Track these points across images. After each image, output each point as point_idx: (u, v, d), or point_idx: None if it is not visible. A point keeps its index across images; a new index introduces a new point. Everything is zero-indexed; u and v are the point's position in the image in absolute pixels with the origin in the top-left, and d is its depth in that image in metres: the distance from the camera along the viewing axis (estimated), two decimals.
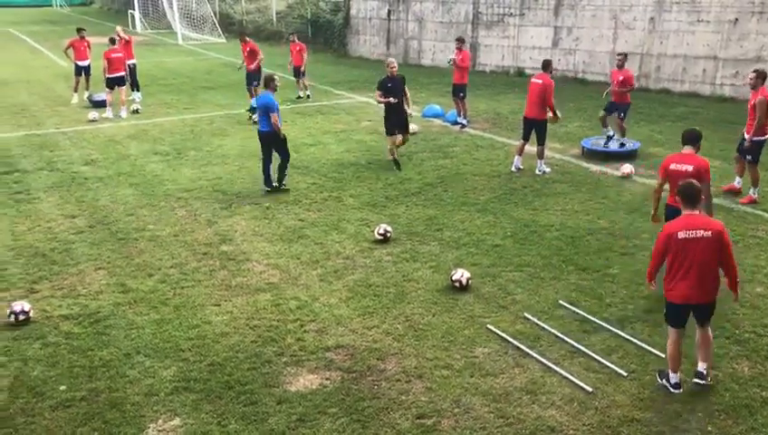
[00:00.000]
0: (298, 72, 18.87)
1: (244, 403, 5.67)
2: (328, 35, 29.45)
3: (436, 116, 16.45)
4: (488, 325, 6.87)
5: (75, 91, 18.48)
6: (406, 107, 12.25)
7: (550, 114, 11.62)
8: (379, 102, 12.31)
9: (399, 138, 12.31)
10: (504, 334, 6.68)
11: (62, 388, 5.88)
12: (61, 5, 61.15)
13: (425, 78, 22.12)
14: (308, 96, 18.94)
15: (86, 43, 18.24)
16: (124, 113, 16.64)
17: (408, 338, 6.67)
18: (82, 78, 18.29)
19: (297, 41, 19.06)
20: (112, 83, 16.56)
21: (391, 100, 11.96)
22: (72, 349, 6.48)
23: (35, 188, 11.23)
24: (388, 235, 9.02)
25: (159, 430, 5.34)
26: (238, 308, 7.27)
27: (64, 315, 7.11)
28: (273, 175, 11.04)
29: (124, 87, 16.93)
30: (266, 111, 10.77)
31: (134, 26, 40.21)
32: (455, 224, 9.63)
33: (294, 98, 18.75)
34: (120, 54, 16.67)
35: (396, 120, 12.16)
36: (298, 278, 7.98)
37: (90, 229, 9.46)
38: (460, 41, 15.48)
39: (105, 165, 12.55)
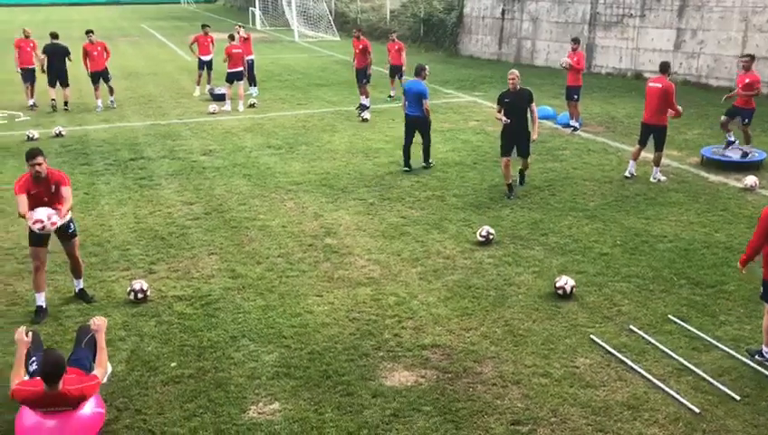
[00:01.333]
0: (396, 71, 18.65)
1: (340, 393, 5.79)
2: (439, 34, 29.44)
3: (547, 118, 16.09)
4: (591, 336, 6.66)
5: (198, 84, 19.48)
6: (531, 130, 10.59)
7: (672, 112, 11.07)
8: (497, 119, 10.87)
9: (522, 161, 10.81)
10: (607, 346, 6.46)
11: (173, 364, 6.23)
12: (187, 3, 64.54)
13: (537, 79, 21.68)
14: (391, 97, 18.87)
15: (210, 39, 19.16)
16: (241, 107, 17.37)
17: (507, 343, 6.58)
18: (204, 72, 19.25)
19: (396, 39, 18.86)
20: (232, 78, 17.32)
21: (503, 119, 10.40)
22: (184, 328, 6.86)
23: (158, 174, 11.93)
24: (491, 237, 8.93)
25: (260, 413, 5.55)
26: (339, 300, 7.43)
27: (178, 296, 7.52)
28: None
29: (242, 82, 17.66)
30: (420, 97, 11.71)
31: (254, 23, 41.84)
32: (561, 229, 9.40)
33: (386, 97, 18.83)
34: (239, 50, 17.40)
35: (511, 141, 10.54)
36: (398, 275, 8.05)
37: (205, 216, 9.96)
38: (576, 42, 15.04)
39: (222, 155, 13.15)
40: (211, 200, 10.63)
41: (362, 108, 17.02)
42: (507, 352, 6.41)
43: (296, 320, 7.01)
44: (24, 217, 6.69)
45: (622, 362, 6.21)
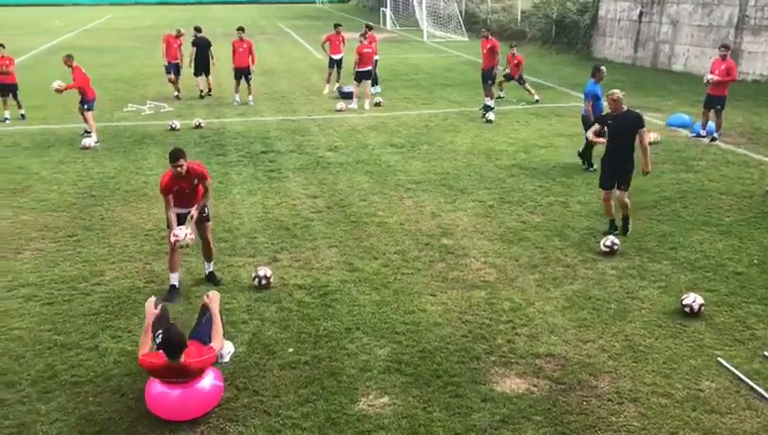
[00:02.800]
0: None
1: (449, 394, 5.80)
2: (572, 36, 28.61)
3: (683, 126, 15.24)
4: (719, 359, 6.26)
5: (327, 82, 20.08)
6: (645, 162, 8.90)
7: None
8: (592, 141, 9.63)
9: (618, 194, 9.04)
10: (736, 371, 6.05)
11: (290, 350, 6.48)
12: (322, 3, 66.59)
13: (674, 84, 20.59)
14: (500, 98, 18.33)
15: (341, 38, 19.67)
16: (368, 105, 17.72)
17: (626, 358, 6.32)
18: (335, 70, 19.79)
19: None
20: (360, 77, 17.70)
21: (600, 140, 9.15)
22: (302, 316, 7.11)
23: (286, 168, 12.43)
24: (616, 247, 8.59)
25: (370, 405, 5.67)
26: (453, 301, 7.43)
27: (298, 285, 7.81)
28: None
29: (369, 81, 18.00)
30: (585, 96, 11.81)
31: (384, 23, 42.51)
32: (692, 244, 8.89)
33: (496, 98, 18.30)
34: (370, 50, 17.75)
35: (612, 172, 9.00)
36: (514, 280, 7.93)
37: (327, 210, 10.26)
38: (726, 48, 13.93)
39: (346, 152, 13.49)
40: (334, 195, 10.94)
41: (486, 109, 16.87)
42: (626, 368, 6.16)
43: (409, 317, 7.08)
44: (169, 219, 7.39)
45: (753, 389, 5.80)
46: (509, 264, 8.36)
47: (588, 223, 9.65)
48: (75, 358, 6.33)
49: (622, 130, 8.77)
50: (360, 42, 17.69)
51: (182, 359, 5.27)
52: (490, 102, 17.15)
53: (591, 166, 11.87)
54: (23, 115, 16.05)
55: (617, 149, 8.90)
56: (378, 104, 18.04)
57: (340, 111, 17.31)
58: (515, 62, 17.92)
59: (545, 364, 6.24)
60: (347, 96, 18.40)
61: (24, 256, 8.60)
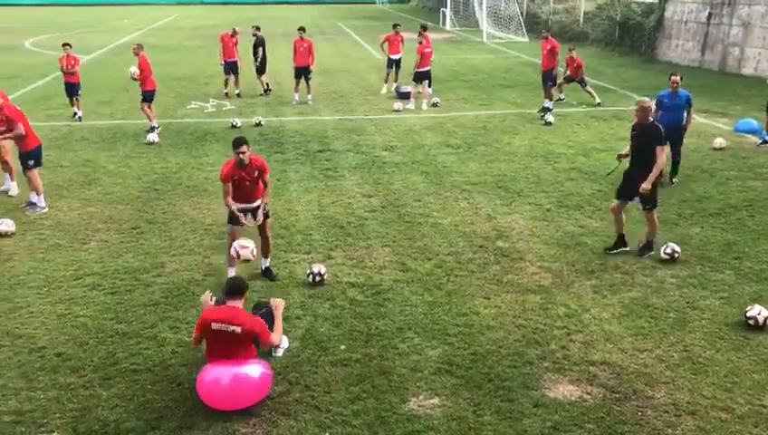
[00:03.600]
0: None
1: (501, 398, 5.75)
2: (636, 38, 27.91)
3: (752, 132, 14.69)
4: None
5: (385, 81, 20.14)
6: (648, 178, 8.17)
7: None
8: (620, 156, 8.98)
9: (641, 211, 8.55)
10: None
11: (342, 347, 6.54)
12: (382, 3, 66.81)
13: (743, 89, 19.87)
14: (560, 100, 18.02)
15: (400, 38, 19.71)
16: (425, 106, 17.71)
17: (684, 369, 6.14)
18: (393, 70, 19.84)
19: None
20: (419, 77, 17.69)
21: (624, 153, 8.68)
22: (354, 314, 7.17)
23: (342, 166, 12.54)
24: (676, 255, 8.36)
25: (420, 405, 5.67)
26: (506, 305, 7.36)
27: (351, 283, 7.87)
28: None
29: (428, 81, 17.97)
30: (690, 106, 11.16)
31: (444, 24, 42.38)
32: (758, 254, 8.57)
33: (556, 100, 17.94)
34: (430, 50, 17.72)
35: (628, 185, 8.48)
36: (570, 286, 7.80)
37: (382, 209, 10.30)
38: None
39: (402, 152, 13.52)
40: (388, 194, 10.97)
41: (545, 111, 16.64)
42: (684, 380, 5.98)
43: (462, 319, 7.05)
44: (228, 205, 7.57)
45: None
46: (565, 269, 8.23)
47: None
48: (135, 347, 6.54)
49: (642, 143, 8.30)
50: (420, 42, 17.68)
51: (240, 303, 5.70)
52: (549, 104, 16.91)
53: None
54: (79, 117, 16.08)
55: (635, 162, 8.41)
56: (435, 105, 18.00)
57: (397, 111, 17.35)
58: (575, 64, 17.59)
59: (600, 372, 6.12)
60: (404, 96, 18.42)
61: (90, 247, 8.93)
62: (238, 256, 7.37)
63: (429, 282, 7.90)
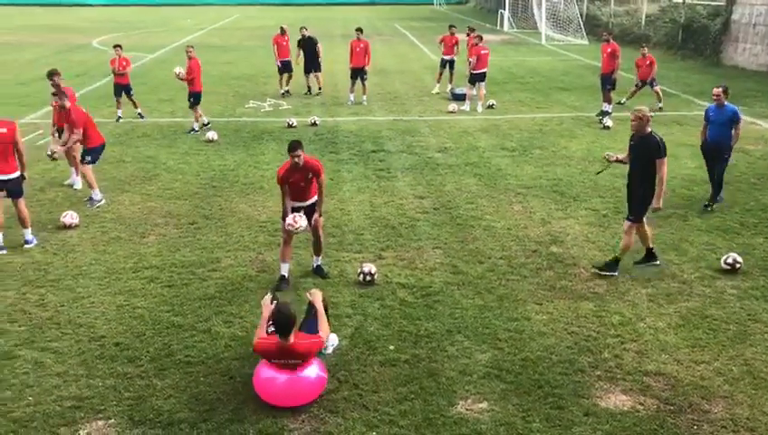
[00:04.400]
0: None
1: (550, 405, 5.67)
2: (700, 41, 27.08)
3: None
4: None
5: (438, 81, 20.11)
6: (657, 195, 7.81)
7: None
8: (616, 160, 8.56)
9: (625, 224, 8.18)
10: None
11: (391, 348, 6.55)
12: (439, 4, 66.67)
13: None
14: (621, 104, 17.52)
15: (455, 40, 19.64)
16: (480, 108, 17.59)
17: (744, 384, 5.94)
18: (446, 71, 19.78)
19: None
20: (475, 79, 17.58)
21: (618, 157, 8.38)
22: (404, 315, 7.17)
23: (395, 167, 12.56)
24: (738, 266, 8.09)
25: (468, 409, 5.64)
26: (559, 311, 7.25)
27: (402, 284, 7.89)
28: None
29: (484, 83, 17.85)
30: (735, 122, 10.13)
31: (501, 25, 42.01)
32: None
33: (619, 102, 17.48)
34: (487, 51, 17.60)
35: (628, 198, 8.24)
36: (625, 294, 7.63)
37: (434, 211, 10.28)
38: None
39: (456, 154, 13.46)
40: (441, 196, 10.94)
41: (604, 114, 16.31)
42: (743, 395, 5.78)
43: (512, 324, 6.97)
44: (285, 209, 7.73)
45: None
46: (620, 276, 8.05)
47: (707, 238, 9.13)
48: (190, 339, 6.70)
49: (640, 154, 7.84)
50: (476, 44, 17.57)
51: (291, 340, 5.52)
52: (608, 108, 16.58)
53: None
54: (140, 114, 16.47)
55: (632, 174, 8.01)
56: (490, 106, 17.87)
57: (451, 112, 17.28)
58: (647, 62, 17.20)
59: (654, 383, 5.97)
60: (459, 98, 18.34)
61: (149, 240, 9.19)
62: (294, 227, 7.47)
63: (480, 285, 7.85)
